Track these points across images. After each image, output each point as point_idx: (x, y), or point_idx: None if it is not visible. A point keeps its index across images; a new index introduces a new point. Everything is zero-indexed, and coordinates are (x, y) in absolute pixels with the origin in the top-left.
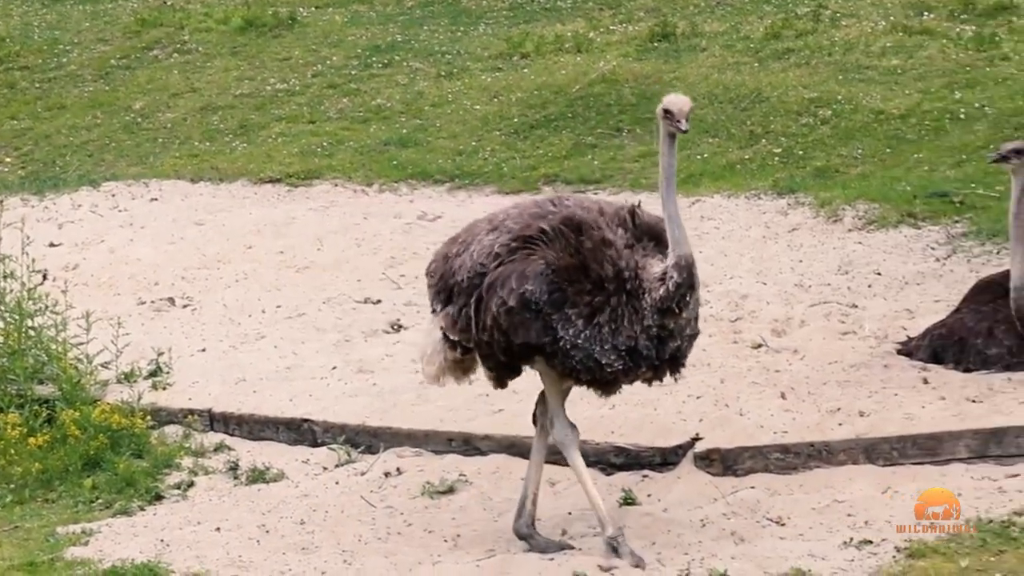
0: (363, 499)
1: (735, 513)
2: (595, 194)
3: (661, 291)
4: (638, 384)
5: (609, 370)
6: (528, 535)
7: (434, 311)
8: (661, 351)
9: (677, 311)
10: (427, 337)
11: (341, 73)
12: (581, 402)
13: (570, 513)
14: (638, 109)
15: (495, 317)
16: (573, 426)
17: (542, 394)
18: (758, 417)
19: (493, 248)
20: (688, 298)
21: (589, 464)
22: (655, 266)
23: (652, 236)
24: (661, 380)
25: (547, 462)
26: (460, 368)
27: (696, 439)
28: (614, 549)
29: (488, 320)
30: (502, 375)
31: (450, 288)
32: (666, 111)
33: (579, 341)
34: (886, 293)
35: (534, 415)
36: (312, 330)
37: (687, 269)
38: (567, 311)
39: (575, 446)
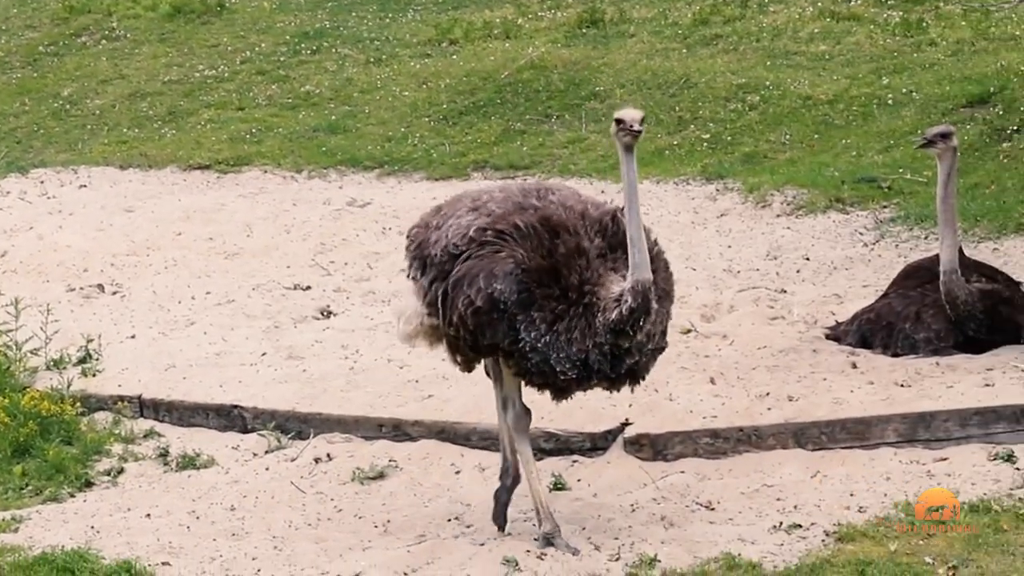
0: (293, 485)
1: (665, 498)
2: (523, 180)
3: (614, 314)
4: None
5: (562, 377)
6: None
7: (412, 277)
8: (616, 366)
9: (631, 333)
10: (407, 298)
11: (270, 60)
12: None
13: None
14: (567, 95)
15: (461, 316)
16: (527, 412)
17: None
18: (687, 402)
19: (468, 231)
20: (642, 322)
21: None
22: (615, 284)
23: (623, 246)
24: (618, 390)
25: (479, 447)
26: (435, 335)
27: (626, 424)
28: (549, 543)
29: (455, 318)
30: (468, 363)
31: (425, 259)
32: (618, 120)
33: (539, 345)
34: (815, 278)
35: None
36: (242, 316)
37: (642, 295)
38: (532, 313)
39: (526, 434)
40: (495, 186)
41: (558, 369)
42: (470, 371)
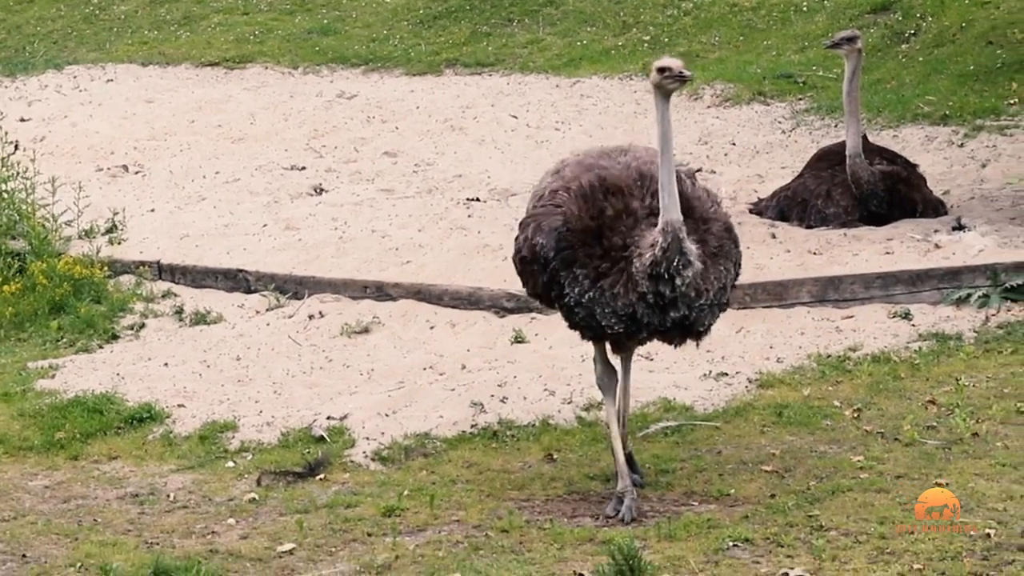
0: (290, 338)
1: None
2: (488, 76)
3: (648, 256)
4: None
5: (610, 332)
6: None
7: None
8: (663, 319)
9: (666, 277)
10: None
11: None
12: (478, 255)
13: (468, 350)
14: (527, 2)
15: (513, 258)
16: (612, 371)
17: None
18: None
19: (545, 192)
20: (677, 264)
21: (485, 308)
22: (650, 234)
23: (683, 206)
24: (679, 344)
25: (450, 306)
26: None
27: None
28: (620, 500)
29: (512, 257)
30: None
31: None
32: (660, 69)
33: (583, 300)
34: (740, 161)
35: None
36: (246, 193)
37: (672, 235)
38: (575, 270)
39: (611, 392)
40: (583, 150)
41: (604, 324)
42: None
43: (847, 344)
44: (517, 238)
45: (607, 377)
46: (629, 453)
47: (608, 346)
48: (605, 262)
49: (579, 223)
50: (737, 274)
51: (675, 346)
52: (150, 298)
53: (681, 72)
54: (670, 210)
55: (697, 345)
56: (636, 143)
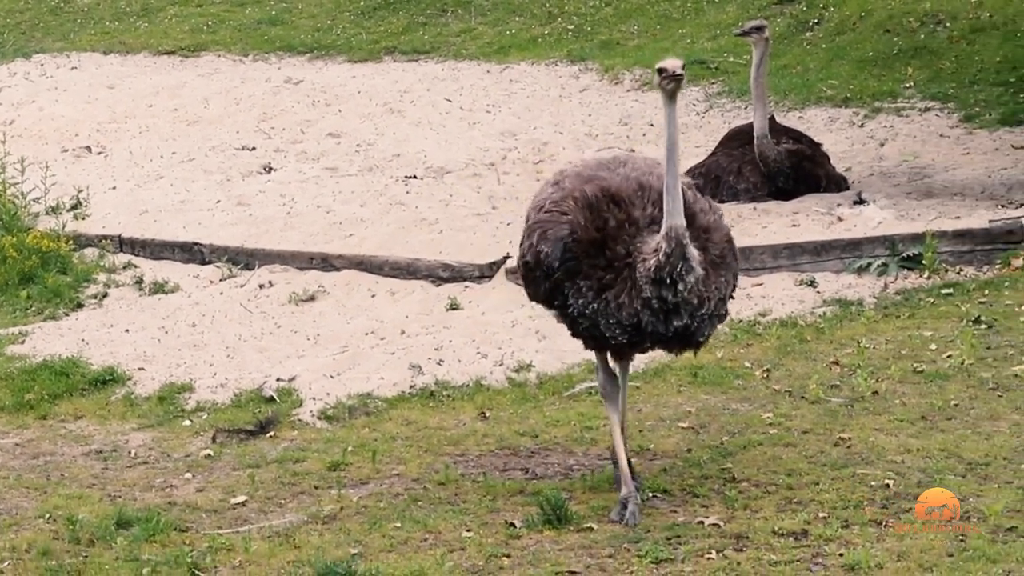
0: (242, 306)
1: (538, 316)
2: (425, 63)
3: (652, 261)
4: (461, 210)
5: (613, 342)
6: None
7: None
8: (666, 327)
9: (670, 282)
10: None
11: None
12: (416, 228)
13: (407, 316)
14: None
15: (517, 263)
16: (615, 379)
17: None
18: None
19: (545, 204)
20: (680, 270)
21: (423, 277)
22: (653, 239)
23: (686, 215)
24: (678, 354)
25: (390, 275)
26: None
27: (507, 257)
28: (624, 506)
29: (516, 262)
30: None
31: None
32: (659, 70)
33: (587, 311)
34: (657, 140)
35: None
36: (200, 172)
37: (675, 240)
38: (579, 282)
39: (613, 401)
40: (579, 160)
41: (608, 335)
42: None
43: (757, 309)
44: (522, 244)
45: (609, 386)
46: (629, 460)
47: (610, 355)
48: (609, 273)
49: (585, 234)
50: (735, 286)
51: (675, 355)
52: (112, 269)
53: (675, 72)
54: (674, 215)
55: (695, 355)
56: (635, 154)
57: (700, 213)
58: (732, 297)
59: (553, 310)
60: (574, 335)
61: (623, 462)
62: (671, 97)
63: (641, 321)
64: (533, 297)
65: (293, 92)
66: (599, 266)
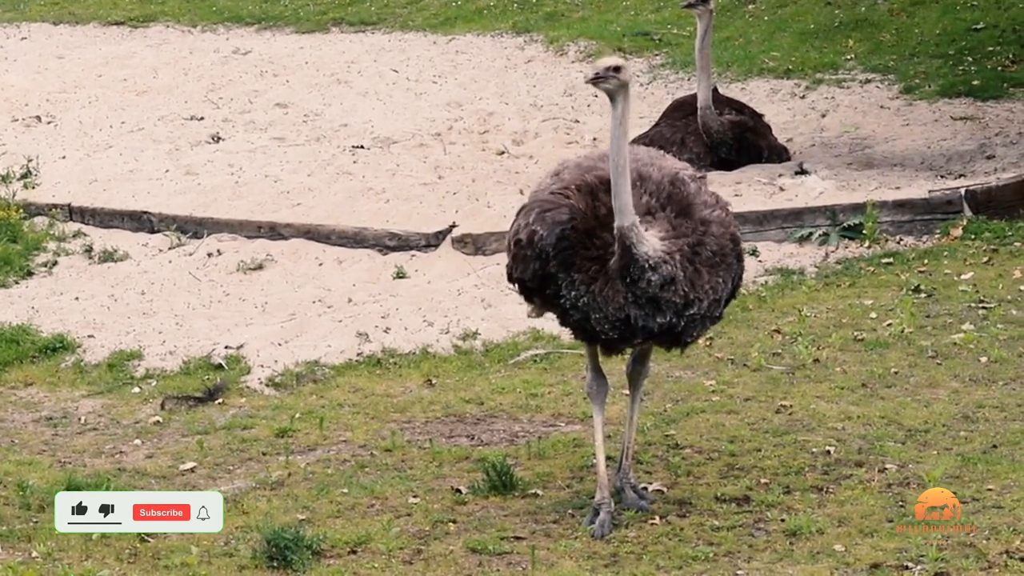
0: (191, 275)
1: (484, 284)
2: (371, 34)
3: (612, 262)
4: (407, 180)
5: (603, 337)
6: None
7: None
8: (653, 321)
9: (630, 281)
10: None
11: None
12: (363, 198)
13: (354, 285)
14: None
15: (508, 240)
16: (603, 379)
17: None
18: (502, 208)
19: (546, 192)
20: (631, 268)
21: (370, 246)
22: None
23: (676, 205)
24: (668, 349)
25: (337, 244)
26: None
27: (453, 226)
28: (596, 512)
29: (507, 240)
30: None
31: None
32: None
33: (579, 304)
34: (602, 111)
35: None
36: (149, 141)
37: (620, 242)
38: (573, 275)
39: (598, 402)
40: (582, 153)
41: (597, 329)
42: (538, 316)
43: None
44: (516, 222)
45: (597, 385)
46: (635, 485)
47: (599, 351)
48: (596, 264)
49: (584, 223)
50: (735, 289)
51: (667, 350)
52: (62, 238)
53: (596, 73)
54: (620, 215)
55: (682, 352)
56: (638, 146)
57: (699, 206)
58: (734, 297)
59: (538, 296)
60: (562, 324)
61: (601, 466)
62: (611, 98)
63: (631, 316)
64: (516, 277)
65: (241, 63)
66: (590, 257)
